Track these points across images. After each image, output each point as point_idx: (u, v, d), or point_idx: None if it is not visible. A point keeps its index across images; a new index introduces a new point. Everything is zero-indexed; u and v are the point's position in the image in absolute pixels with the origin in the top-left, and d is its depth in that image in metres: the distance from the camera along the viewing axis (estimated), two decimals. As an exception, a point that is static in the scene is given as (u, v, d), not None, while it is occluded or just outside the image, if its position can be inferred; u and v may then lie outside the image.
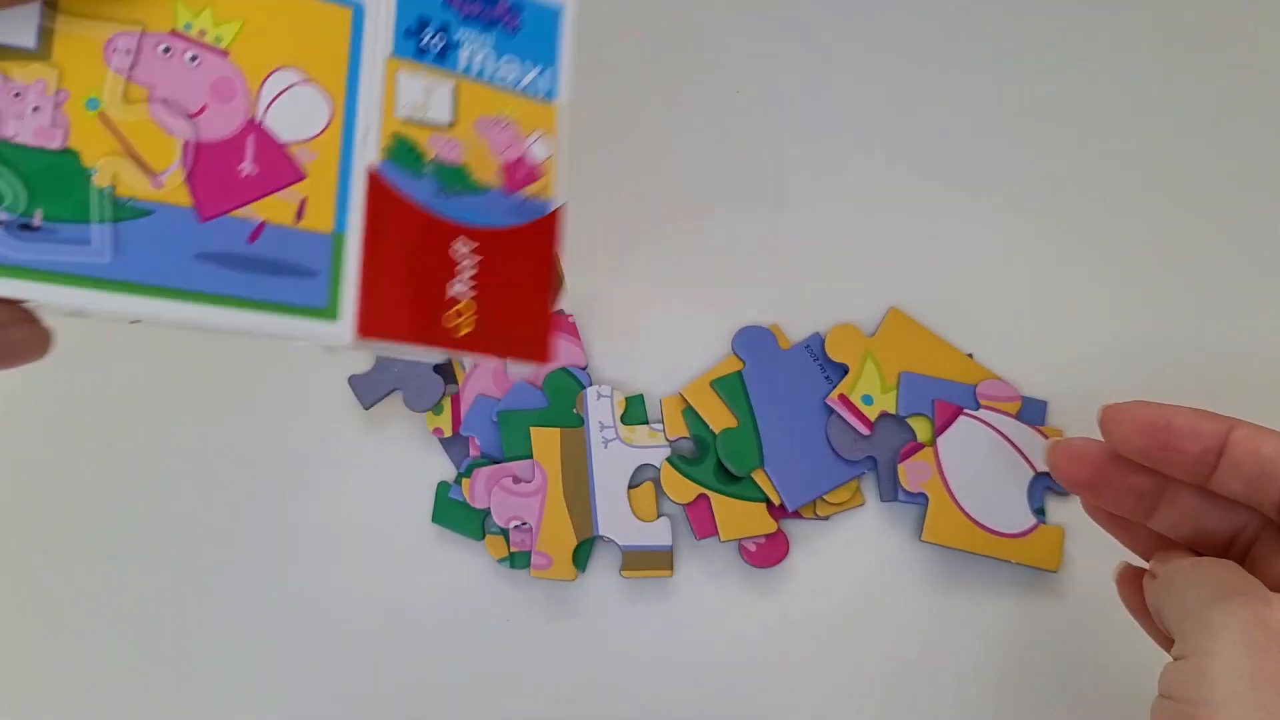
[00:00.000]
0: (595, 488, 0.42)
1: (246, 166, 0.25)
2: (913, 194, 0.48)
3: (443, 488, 0.43)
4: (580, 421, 0.43)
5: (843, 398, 0.43)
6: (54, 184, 0.23)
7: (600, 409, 0.43)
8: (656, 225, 0.47)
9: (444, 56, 0.28)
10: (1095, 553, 0.42)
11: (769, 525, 0.42)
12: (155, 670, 0.42)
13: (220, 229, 0.25)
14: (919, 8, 0.50)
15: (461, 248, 0.29)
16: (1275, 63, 0.50)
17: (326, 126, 0.27)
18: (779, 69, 0.49)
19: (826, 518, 0.43)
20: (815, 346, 0.44)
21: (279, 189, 0.26)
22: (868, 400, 0.43)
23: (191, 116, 0.25)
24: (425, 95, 0.28)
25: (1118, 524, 0.33)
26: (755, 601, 0.42)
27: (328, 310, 0.26)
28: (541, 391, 0.43)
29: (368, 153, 0.27)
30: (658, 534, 0.42)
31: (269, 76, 0.26)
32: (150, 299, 0.24)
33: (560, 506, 0.41)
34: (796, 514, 0.43)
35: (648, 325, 0.45)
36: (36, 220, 0.23)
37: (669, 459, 0.42)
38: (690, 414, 0.43)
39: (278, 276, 0.26)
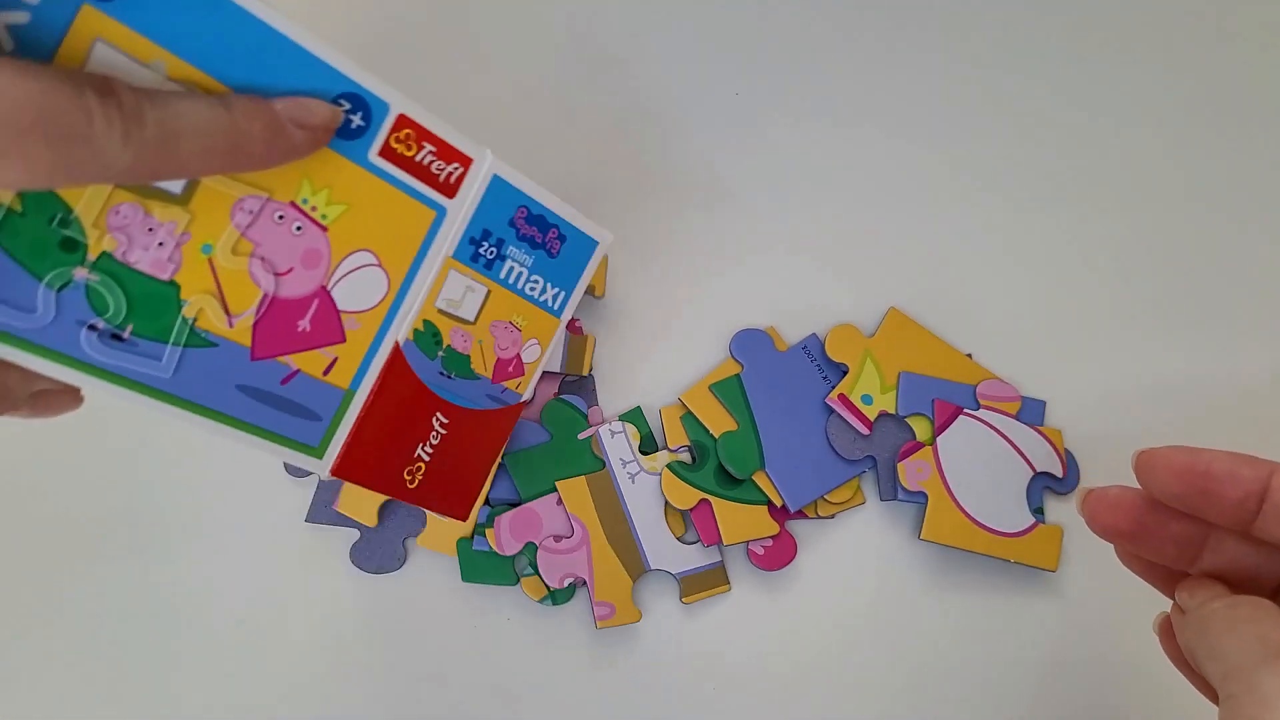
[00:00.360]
0: (635, 525, 0.42)
1: (304, 324, 0.30)
2: (912, 194, 0.48)
3: (463, 544, 0.42)
4: (597, 462, 0.43)
5: (842, 397, 0.43)
6: (151, 307, 0.27)
7: (618, 446, 0.43)
8: (656, 226, 0.47)
9: (491, 266, 0.33)
10: (1093, 553, 0.43)
11: (771, 527, 0.42)
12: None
13: (264, 369, 0.29)
14: (920, 8, 0.50)
15: (438, 420, 0.34)
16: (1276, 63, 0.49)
17: (378, 303, 0.31)
18: (778, 70, 0.49)
19: (829, 517, 0.43)
20: (813, 347, 0.44)
21: (321, 347, 0.30)
22: (867, 400, 0.43)
23: (279, 275, 0.29)
24: (463, 294, 0.33)
25: (1157, 573, 0.32)
26: (760, 601, 0.43)
27: (317, 450, 0.32)
28: (541, 425, 0.43)
29: (400, 330, 0.32)
30: (707, 552, 0.42)
31: (351, 254, 0.30)
32: (185, 411, 0.28)
33: (608, 553, 0.41)
34: (800, 514, 0.43)
35: (647, 329, 0.46)
36: (126, 334, 0.27)
37: (669, 465, 0.42)
38: (689, 419, 0.43)
39: (291, 415, 0.31)
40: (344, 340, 0.31)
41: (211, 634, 0.42)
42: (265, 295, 0.29)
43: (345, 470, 0.32)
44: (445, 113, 0.30)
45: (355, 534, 0.43)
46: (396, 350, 0.32)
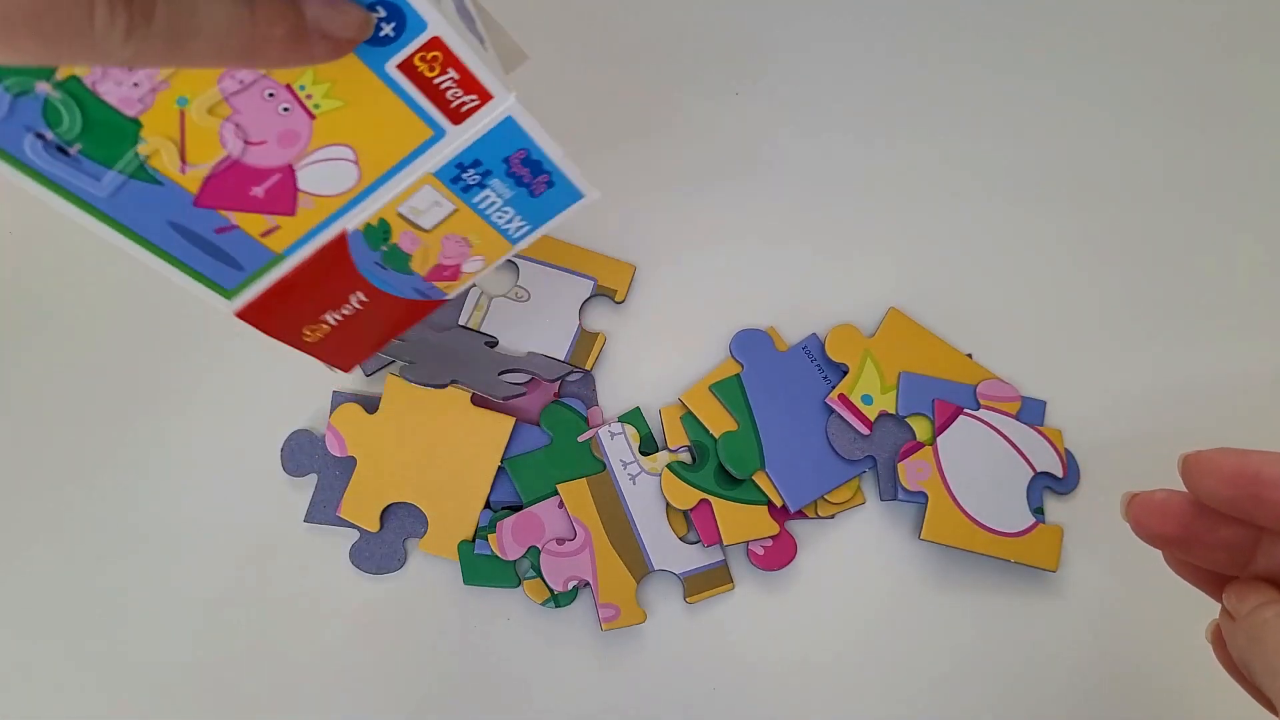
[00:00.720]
0: (637, 526, 0.42)
1: (258, 190, 0.29)
2: (913, 194, 0.48)
3: (465, 547, 0.42)
4: (598, 464, 0.43)
5: (843, 397, 0.43)
6: (106, 135, 0.27)
7: (618, 448, 0.43)
8: (656, 226, 0.47)
9: (468, 190, 0.32)
10: (1093, 553, 0.43)
11: (771, 527, 0.42)
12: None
13: (202, 215, 0.29)
14: (921, 9, 0.50)
15: (356, 297, 0.34)
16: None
17: (340, 194, 0.31)
18: (777, 70, 0.49)
19: (829, 517, 0.43)
20: (813, 347, 0.44)
21: (267, 213, 0.30)
22: (867, 400, 0.43)
23: (249, 143, 0.28)
24: (429, 206, 0.32)
25: (1207, 579, 0.31)
26: (760, 602, 0.43)
27: (228, 293, 0.32)
28: (541, 428, 0.43)
29: (353, 221, 0.32)
30: (709, 551, 0.42)
31: (330, 146, 0.29)
32: (110, 229, 0.29)
33: (611, 555, 0.41)
34: (800, 514, 0.43)
35: (647, 329, 0.46)
36: (73, 150, 0.27)
37: (669, 465, 0.42)
38: (690, 419, 0.43)
39: (214, 259, 0.31)
40: (293, 214, 0.31)
41: (211, 634, 0.43)
42: (228, 156, 0.29)
43: (249, 316, 0.33)
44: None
45: (355, 534, 0.43)
46: (342, 237, 0.32)
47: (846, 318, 0.45)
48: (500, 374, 0.43)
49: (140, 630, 0.43)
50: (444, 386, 0.43)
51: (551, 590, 0.41)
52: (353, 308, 0.35)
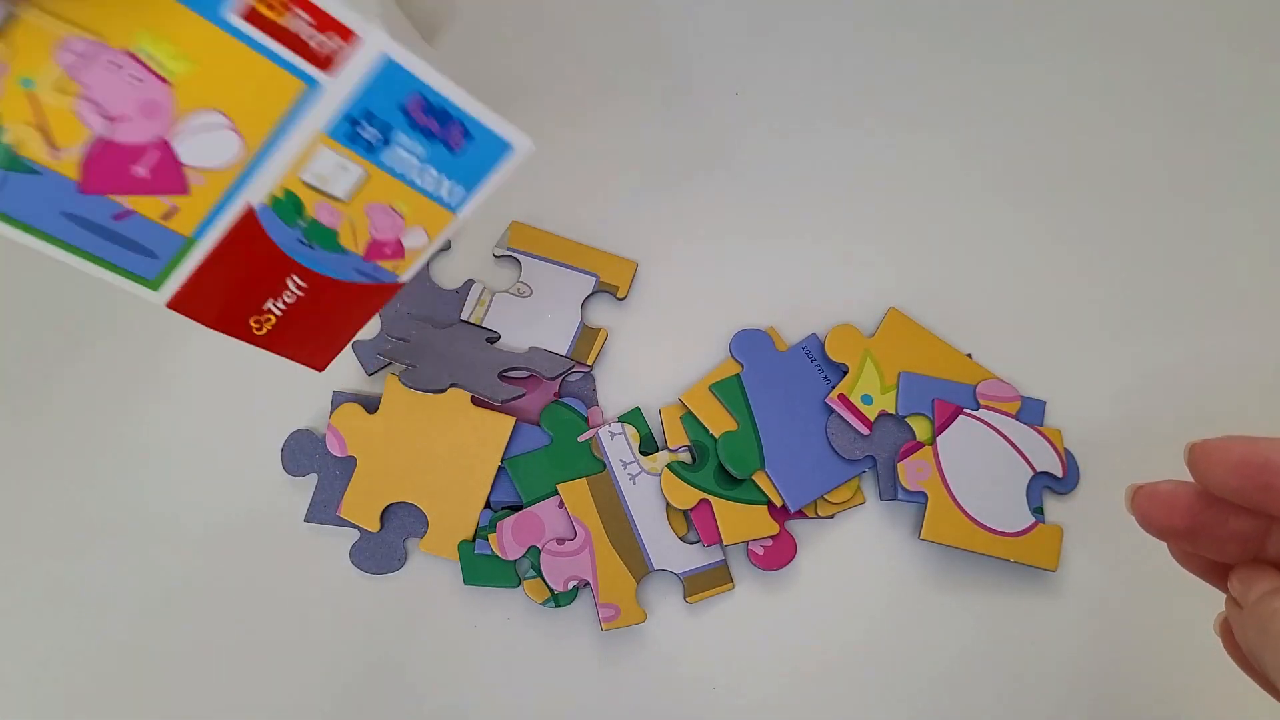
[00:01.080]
0: (637, 526, 0.42)
1: (140, 169, 0.28)
2: (913, 194, 0.48)
3: (465, 547, 0.42)
4: (598, 464, 0.43)
5: (842, 397, 0.43)
6: None
7: (618, 448, 0.43)
8: (656, 226, 0.47)
9: (372, 150, 0.30)
10: (1093, 553, 0.43)
11: (771, 527, 0.42)
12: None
13: (93, 202, 0.29)
14: (921, 8, 0.50)
15: (293, 282, 0.33)
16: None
17: (229, 165, 0.29)
18: (776, 70, 0.49)
19: (828, 517, 0.43)
20: (812, 347, 0.44)
21: (159, 194, 0.29)
22: (867, 400, 0.43)
23: (111, 119, 0.28)
24: (334, 171, 0.30)
25: (1215, 570, 0.29)
26: (760, 601, 0.43)
27: (152, 283, 0.31)
28: (541, 428, 0.43)
29: (256, 195, 0.30)
30: (709, 551, 0.42)
31: (198, 112, 0.28)
32: (14, 229, 0.29)
33: (611, 555, 0.41)
34: (800, 514, 0.43)
35: (647, 329, 0.46)
36: None
37: (669, 465, 0.42)
38: (690, 419, 0.43)
39: (123, 249, 0.30)
40: (186, 192, 0.29)
41: (211, 635, 0.43)
42: (96, 136, 0.28)
43: (182, 304, 0.32)
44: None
45: (355, 534, 0.43)
46: (249, 212, 0.31)
47: (846, 318, 0.45)
48: (501, 374, 0.43)
49: (140, 629, 0.43)
50: (443, 391, 0.43)
51: (551, 590, 0.41)
52: (294, 294, 0.33)
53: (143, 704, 0.42)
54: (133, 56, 0.27)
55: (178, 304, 0.32)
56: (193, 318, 0.33)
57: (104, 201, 0.29)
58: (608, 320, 0.46)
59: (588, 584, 0.41)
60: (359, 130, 0.29)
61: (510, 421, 0.43)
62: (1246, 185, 0.48)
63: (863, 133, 0.48)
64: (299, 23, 0.27)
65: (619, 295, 0.45)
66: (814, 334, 0.45)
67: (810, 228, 0.47)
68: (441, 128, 0.30)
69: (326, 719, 0.42)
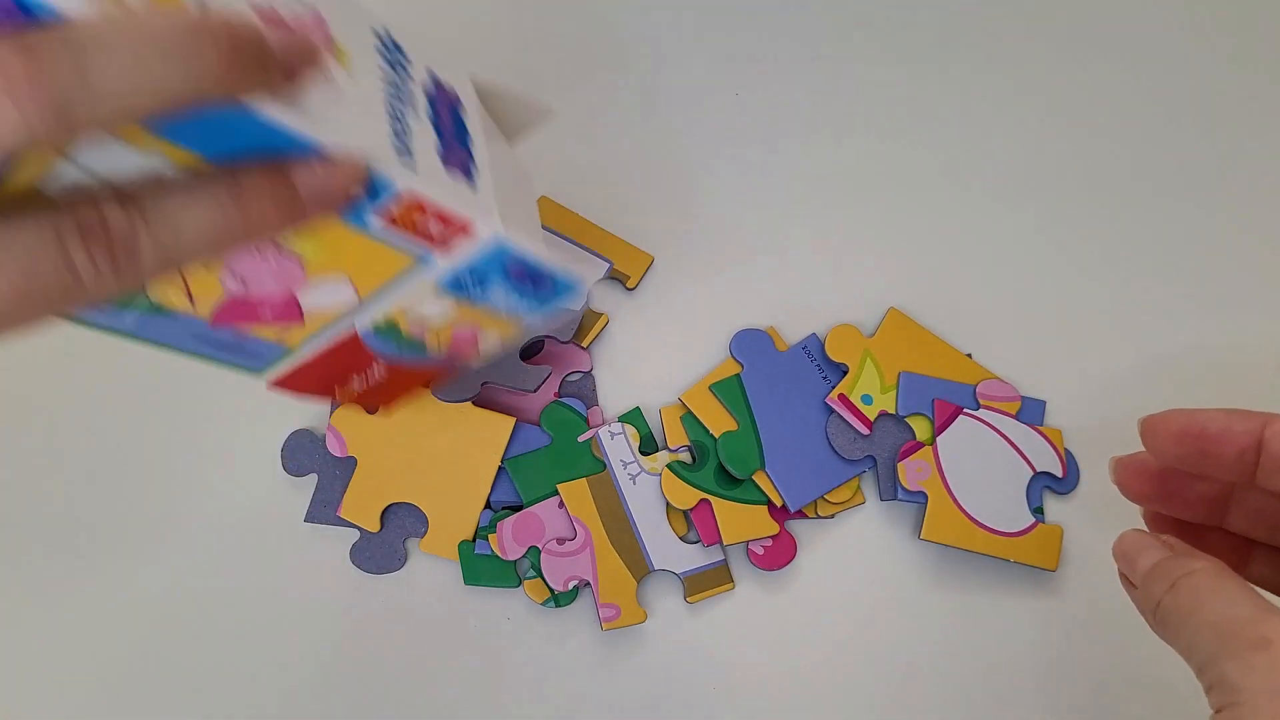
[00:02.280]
0: (637, 526, 0.42)
1: (265, 313, 0.31)
2: (913, 194, 0.48)
3: (465, 547, 0.42)
4: (598, 464, 0.43)
5: (842, 397, 0.43)
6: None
7: (618, 448, 0.43)
8: (655, 226, 0.47)
9: (470, 295, 0.33)
10: (1093, 553, 0.43)
11: (771, 527, 0.42)
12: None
13: (220, 331, 0.31)
14: (921, 7, 0.50)
15: (376, 368, 0.37)
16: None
17: (340, 307, 0.31)
18: (776, 71, 0.49)
19: (828, 517, 0.43)
20: (812, 347, 0.44)
21: (277, 324, 0.31)
22: (867, 400, 0.43)
23: (248, 284, 0.29)
24: (433, 311, 0.33)
25: (1189, 532, 0.32)
26: (760, 601, 0.43)
27: (258, 373, 0.35)
28: (541, 429, 0.43)
29: (360, 323, 0.33)
30: (709, 551, 0.42)
31: (324, 276, 0.30)
32: (150, 346, 0.31)
33: (611, 555, 0.41)
34: (800, 514, 0.43)
35: (648, 329, 0.46)
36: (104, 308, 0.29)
37: (669, 465, 0.42)
38: (690, 419, 0.43)
39: (235, 354, 0.33)
40: (301, 323, 0.32)
41: (211, 635, 0.43)
42: (231, 293, 0.29)
43: (282, 386, 0.36)
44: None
45: (355, 534, 0.43)
46: (354, 334, 0.33)
47: (846, 318, 0.45)
48: (523, 357, 0.44)
49: (140, 629, 0.43)
50: (476, 396, 0.43)
51: (552, 590, 0.41)
52: (377, 376, 0.37)
53: (143, 704, 0.42)
54: (273, 245, 0.28)
55: (278, 386, 0.36)
56: (287, 394, 0.36)
57: (229, 330, 0.31)
58: (611, 308, 0.46)
59: (588, 584, 0.41)
60: (461, 284, 0.32)
61: (510, 422, 0.43)
62: (1247, 185, 0.48)
63: (863, 133, 0.48)
64: (427, 220, 0.28)
65: (629, 285, 0.45)
66: (814, 334, 0.45)
67: (810, 228, 0.47)
68: (533, 282, 0.33)
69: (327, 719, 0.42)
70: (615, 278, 0.46)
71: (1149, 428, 0.31)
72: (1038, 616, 0.42)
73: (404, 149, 0.27)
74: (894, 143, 0.48)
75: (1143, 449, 0.32)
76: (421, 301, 0.32)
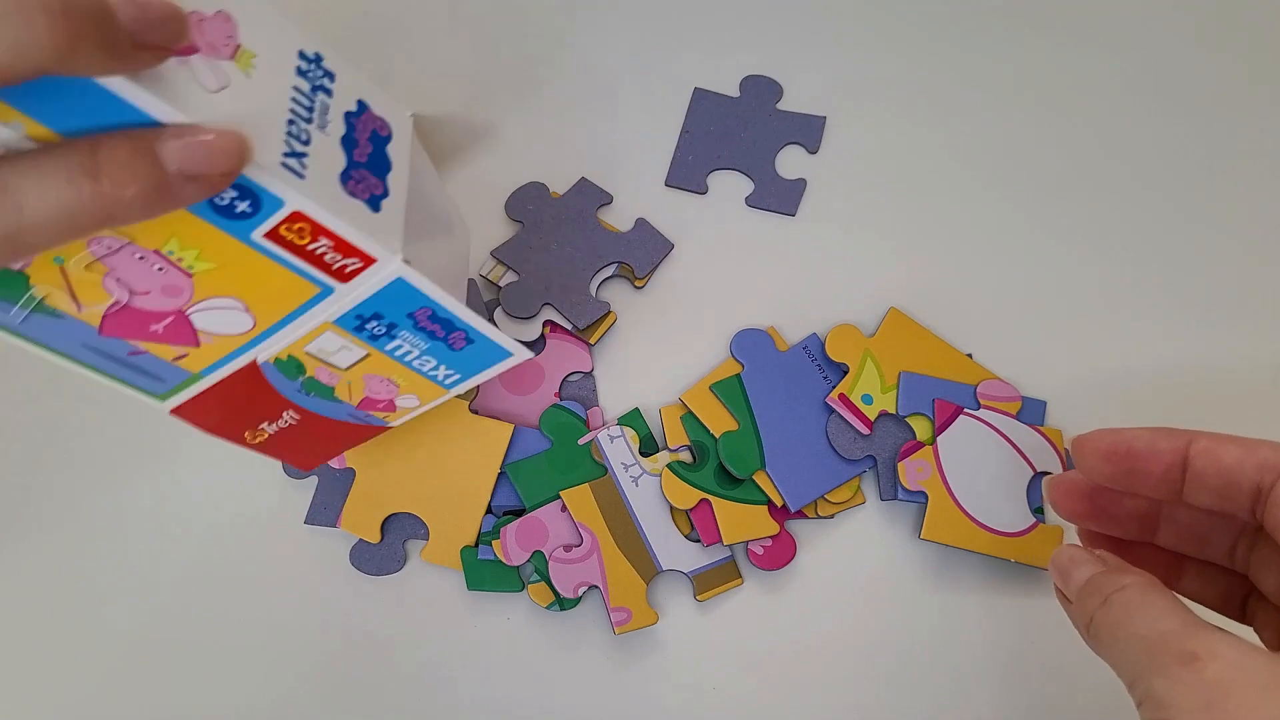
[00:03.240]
0: (643, 527, 0.42)
1: (156, 328, 0.30)
2: (913, 194, 0.48)
3: (468, 553, 0.42)
4: (600, 468, 0.43)
5: (843, 397, 0.43)
6: (2, 280, 0.27)
7: (618, 450, 0.43)
8: (655, 226, 0.47)
9: (377, 340, 0.32)
10: (1094, 552, 0.43)
11: (771, 527, 0.42)
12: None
13: (111, 342, 0.30)
14: (924, 7, 0.50)
15: (288, 414, 0.35)
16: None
17: (238, 334, 0.31)
18: (777, 71, 0.49)
19: (828, 517, 0.43)
20: (813, 347, 0.44)
21: (172, 344, 0.30)
22: (868, 400, 0.43)
23: (134, 293, 0.28)
24: (337, 350, 0.32)
25: (1122, 548, 0.33)
26: (760, 601, 0.43)
27: (159, 397, 0.33)
28: (540, 433, 0.43)
29: (260, 355, 0.32)
30: (716, 548, 0.42)
31: (215, 297, 0.29)
32: (34, 347, 0.30)
33: (619, 558, 0.41)
34: (800, 514, 0.43)
35: (648, 329, 0.46)
36: None
37: (669, 465, 0.42)
38: (690, 419, 0.43)
39: (135, 373, 0.32)
40: (197, 345, 0.31)
41: (212, 635, 0.43)
42: (117, 301, 0.28)
43: (184, 415, 0.34)
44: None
45: (355, 537, 0.43)
46: (254, 365, 0.32)
47: (846, 318, 0.45)
48: (593, 278, 0.44)
49: (140, 629, 0.43)
50: (534, 316, 0.43)
51: (557, 594, 0.41)
52: (288, 422, 0.36)
53: (143, 704, 0.42)
54: (157, 253, 0.27)
55: (180, 413, 0.34)
56: (191, 424, 0.35)
57: (120, 342, 0.30)
58: (618, 304, 0.46)
59: (595, 587, 0.41)
60: (365, 324, 0.31)
61: (509, 428, 0.43)
62: (1248, 185, 0.48)
63: (863, 133, 0.48)
64: (321, 246, 0.28)
65: (637, 284, 0.46)
66: (814, 334, 0.45)
67: (811, 228, 0.47)
68: (445, 333, 0.32)
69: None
70: (624, 276, 0.46)
71: (1078, 447, 0.31)
72: (1037, 616, 0.42)
73: (296, 162, 0.26)
74: (895, 142, 0.48)
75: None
76: (327, 341, 0.31)
